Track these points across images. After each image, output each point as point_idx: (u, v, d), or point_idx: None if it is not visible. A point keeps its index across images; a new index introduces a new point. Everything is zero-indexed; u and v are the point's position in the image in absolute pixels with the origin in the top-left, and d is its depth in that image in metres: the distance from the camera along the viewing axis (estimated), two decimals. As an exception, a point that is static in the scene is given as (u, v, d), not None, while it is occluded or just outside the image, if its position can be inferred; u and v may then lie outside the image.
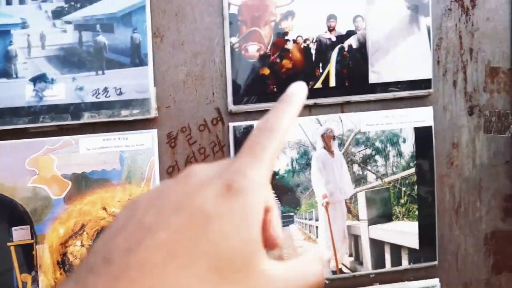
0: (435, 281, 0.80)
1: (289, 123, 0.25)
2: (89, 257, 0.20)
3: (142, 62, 0.72)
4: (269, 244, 0.23)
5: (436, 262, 0.80)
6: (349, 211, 0.79)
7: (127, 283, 0.18)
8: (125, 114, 0.73)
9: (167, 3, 0.74)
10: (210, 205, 0.21)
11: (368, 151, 0.79)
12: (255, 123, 0.76)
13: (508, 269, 0.84)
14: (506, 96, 0.82)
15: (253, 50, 0.74)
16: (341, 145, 0.78)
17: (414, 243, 0.80)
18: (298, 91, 0.26)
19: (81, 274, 0.20)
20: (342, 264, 0.79)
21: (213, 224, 0.20)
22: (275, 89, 0.75)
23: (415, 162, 0.80)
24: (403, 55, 0.77)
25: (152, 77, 0.73)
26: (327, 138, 0.78)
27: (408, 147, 0.79)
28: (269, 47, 0.74)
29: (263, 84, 0.75)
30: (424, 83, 0.78)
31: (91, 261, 0.20)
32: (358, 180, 0.79)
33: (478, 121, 0.82)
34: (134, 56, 0.72)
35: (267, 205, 0.23)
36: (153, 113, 0.74)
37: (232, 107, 0.75)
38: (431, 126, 0.80)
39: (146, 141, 0.74)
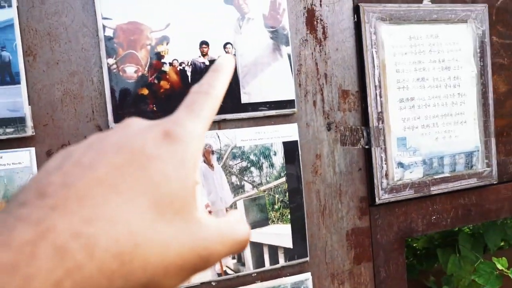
0: (308, 275, 0.90)
1: (221, 89, 0.26)
2: (19, 194, 0.19)
3: (14, 81, 0.71)
4: None
5: (307, 258, 0.91)
6: (229, 220, 0.86)
7: (64, 213, 0.17)
8: (-6, 134, 0.71)
9: (38, 22, 0.74)
10: (150, 147, 0.21)
11: (244, 164, 0.87)
12: (135, 140, 0.79)
13: (367, 259, 0.98)
14: (356, 114, 0.98)
15: (130, 71, 0.78)
16: (219, 159, 0.85)
17: (288, 243, 0.89)
18: (226, 62, 0.28)
19: (12, 208, 0.18)
20: (226, 266, 0.84)
21: (153, 164, 0.20)
22: (155, 108, 0.79)
23: (285, 172, 0.90)
24: (269, 78, 0.88)
25: (26, 95, 0.72)
26: (206, 153, 0.84)
27: (278, 159, 0.89)
28: (146, 68, 0.79)
29: (143, 103, 0.79)
30: (289, 103, 0.90)
31: (21, 197, 0.19)
32: (237, 190, 0.87)
33: (335, 135, 0.96)
34: (4, 74, 0.71)
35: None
36: (30, 132, 0.72)
37: (113, 125, 0.77)
38: (297, 141, 0.91)
39: (24, 159, 0.72)
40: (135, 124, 0.23)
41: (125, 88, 0.78)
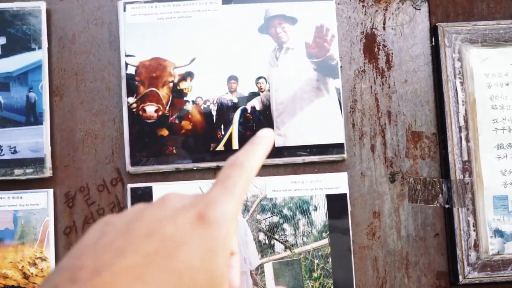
0: None
1: (257, 162, 0.26)
2: (54, 275, 0.20)
3: (37, 121, 0.71)
4: None
5: None
6: (255, 283, 0.72)
7: None
8: (18, 173, 0.71)
9: (67, 62, 0.74)
10: (181, 233, 0.21)
11: (275, 219, 0.73)
12: (154, 185, 0.72)
13: None
14: (431, 162, 0.76)
15: (151, 111, 0.72)
16: (245, 211, 0.73)
17: (326, 325, 0.71)
18: (266, 135, 0.28)
19: None
20: None
21: (181, 253, 0.20)
22: (174, 151, 0.72)
23: (328, 232, 0.73)
24: (311, 117, 0.73)
25: (48, 136, 0.72)
26: (232, 203, 0.73)
27: (320, 216, 0.73)
28: (167, 108, 0.72)
29: (161, 145, 0.72)
30: (337, 148, 0.73)
31: (56, 279, 0.19)
32: (265, 250, 0.73)
33: (402, 189, 0.76)
34: (29, 115, 0.71)
35: (231, 249, 0.23)
36: (48, 173, 0.71)
37: (130, 168, 0.72)
38: (346, 194, 0.74)
39: (41, 200, 0.72)
40: (171, 202, 0.23)
41: (144, 129, 0.72)
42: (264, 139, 0.27)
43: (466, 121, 0.75)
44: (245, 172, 0.25)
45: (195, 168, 0.73)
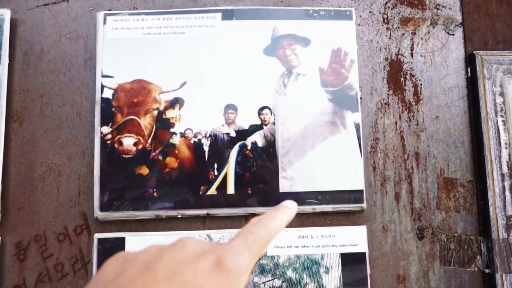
0: None
1: (278, 228, 0.27)
2: None
3: (-12, 152, 0.58)
4: None
5: None
6: None
7: None
8: (-41, 216, 0.57)
9: (31, 82, 0.61)
10: (200, 278, 0.22)
11: (278, 283, 0.58)
12: (127, 235, 0.58)
13: None
14: (468, 216, 0.63)
15: (129, 144, 0.59)
16: (240, 272, 0.58)
17: None
18: (291, 206, 0.30)
19: None
20: None
21: None
22: (155, 194, 0.58)
23: (342, 301, 0.58)
24: (324, 158, 0.60)
25: (0, 170, 0.58)
26: (224, 260, 0.59)
27: (333, 279, 0.59)
28: (149, 140, 0.59)
29: (140, 186, 0.58)
30: (354, 196, 0.60)
31: None
32: (264, 322, 0.58)
33: (432, 248, 0.62)
34: (-22, 144, 0.58)
35: None
36: (-4, 217, 0.57)
37: (99, 213, 0.58)
38: (365, 253, 0.60)
39: (-13, 250, 0.57)
40: (190, 246, 0.24)
41: (119, 165, 0.58)
42: (289, 210, 0.29)
43: (510, 168, 0.62)
44: (267, 234, 0.26)
45: (179, 216, 0.59)
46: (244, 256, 0.24)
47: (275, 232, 0.27)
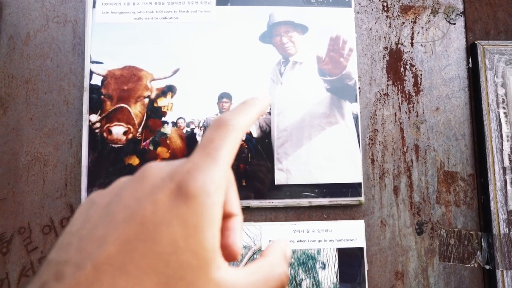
0: None
1: (246, 122, 0.23)
2: (42, 271, 0.19)
3: (-30, 140, 0.55)
4: (227, 254, 0.23)
5: None
6: None
7: None
8: None
9: (17, 67, 0.59)
10: (160, 212, 0.19)
11: (272, 278, 0.56)
12: (116, 228, 0.56)
13: None
14: (468, 211, 0.61)
15: (118, 133, 0.56)
16: (233, 265, 0.56)
17: None
18: (262, 96, 0.26)
19: None
20: None
21: (162, 235, 0.19)
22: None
23: (339, 297, 0.56)
24: (321, 150, 0.58)
25: (-17, 159, 0.55)
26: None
27: (329, 275, 0.57)
28: (140, 129, 0.57)
29: (129, 177, 0.56)
30: (352, 189, 0.58)
31: (44, 277, 0.19)
32: (257, 319, 0.56)
33: (431, 243, 0.60)
34: (-41, 132, 0.55)
35: (230, 211, 0.23)
36: (-22, 207, 0.55)
37: (86, 205, 0.55)
38: (363, 248, 0.58)
39: (-32, 244, 0.55)
40: (150, 176, 0.21)
41: (108, 155, 0.56)
42: (258, 100, 0.25)
43: (511, 161, 0.60)
44: (231, 132, 0.22)
45: (171, 209, 0.56)
46: (207, 173, 0.20)
47: (244, 128, 0.23)
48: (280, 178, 0.57)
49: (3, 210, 0.57)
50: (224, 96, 0.58)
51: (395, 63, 0.63)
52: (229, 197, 0.23)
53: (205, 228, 0.20)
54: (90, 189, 0.55)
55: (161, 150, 0.57)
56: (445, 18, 0.64)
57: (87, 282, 0.18)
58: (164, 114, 0.57)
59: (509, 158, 0.60)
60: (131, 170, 0.56)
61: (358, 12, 0.63)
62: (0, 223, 0.56)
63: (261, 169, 0.57)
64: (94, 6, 0.59)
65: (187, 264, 0.19)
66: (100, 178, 0.56)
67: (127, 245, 0.19)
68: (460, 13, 0.64)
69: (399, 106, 0.62)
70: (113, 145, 0.56)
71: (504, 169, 0.60)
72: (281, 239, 0.26)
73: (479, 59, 0.62)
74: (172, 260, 0.19)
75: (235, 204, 0.23)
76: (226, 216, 0.22)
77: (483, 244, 0.60)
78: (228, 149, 0.22)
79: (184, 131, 0.57)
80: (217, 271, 0.20)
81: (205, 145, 0.22)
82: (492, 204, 0.60)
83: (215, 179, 0.20)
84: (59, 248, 0.20)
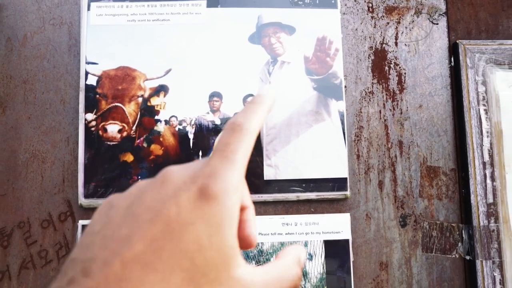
0: None
1: (258, 123, 0.24)
2: (68, 267, 0.20)
3: (-30, 138, 0.57)
4: (245, 244, 0.24)
5: None
6: None
7: None
8: None
9: (15, 68, 0.61)
10: (185, 213, 0.21)
11: (261, 269, 0.59)
12: (112, 222, 0.58)
13: None
14: (450, 204, 0.64)
15: (113, 131, 0.59)
16: (224, 258, 0.59)
17: None
18: (267, 93, 0.26)
19: (62, 285, 0.19)
20: None
21: (187, 233, 0.20)
22: (140, 181, 0.58)
23: (325, 287, 0.59)
24: (308, 146, 0.60)
25: (-17, 157, 0.58)
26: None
27: (316, 266, 0.60)
28: (134, 127, 0.59)
29: (124, 173, 0.58)
30: (338, 183, 0.61)
31: (70, 273, 0.20)
32: (247, 308, 0.59)
33: (414, 235, 0.63)
34: (-40, 131, 0.57)
35: (243, 204, 0.24)
36: (-21, 203, 0.57)
37: (83, 200, 0.58)
38: (348, 240, 0.60)
39: (-30, 238, 0.57)
40: (171, 179, 0.22)
41: (103, 152, 0.58)
42: (266, 98, 0.26)
43: (491, 156, 0.63)
44: (245, 136, 0.23)
45: (164, 203, 0.59)
46: (227, 175, 0.22)
47: (256, 130, 0.24)
48: (269, 173, 0.60)
49: (3, 206, 0.59)
50: (215, 95, 0.60)
51: (380, 62, 0.65)
52: (242, 192, 0.24)
53: (226, 227, 0.21)
54: (86, 184, 0.58)
55: (154, 147, 0.59)
56: (428, 19, 0.66)
57: (115, 278, 0.19)
58: (157, 112, 0.60)
59: (489, 153, 0.63)
60: (126, 166, 0.59)
61: (344, 13, 0.65)
62: (0, 218, 0.59)
63: (250, 159, 0.59)
64: (88, 9, 0.61)
65: (211, 261, 0.20)
66: (96, 174, 0.58)
67: (153, 243, 0.20)
68: (443, 13, 0.67)
69: (384, 104, 0.64)
70: (109, 143, 0.59)
71: (484, 164, 0.63)
72: (297, 245, 0.27)
73: (461, 58, 0.64)
74: (197, 258, 0.20)
75: (247, 197, 0.25)
76: (241, 209, 0.23)
77: (464, 235, 0.63)
78: (243, 151, 0.23)
79: (177, 128, 0.60)
80: (237, 268, 0.21)
81: (222, 148, 0.23)
82: (472, 197, 0.62)
83: (233, 181, 0.22)
84: (82, 247, 0.21)
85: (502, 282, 0.61)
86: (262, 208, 0.61)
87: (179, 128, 0.60)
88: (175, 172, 0.23)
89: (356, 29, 0.65)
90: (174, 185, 0.22)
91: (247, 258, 0.59)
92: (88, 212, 0.59)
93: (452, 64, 0.66)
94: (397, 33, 0.66)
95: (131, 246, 0.19)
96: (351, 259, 0.60)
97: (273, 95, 0.26)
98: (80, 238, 0.21)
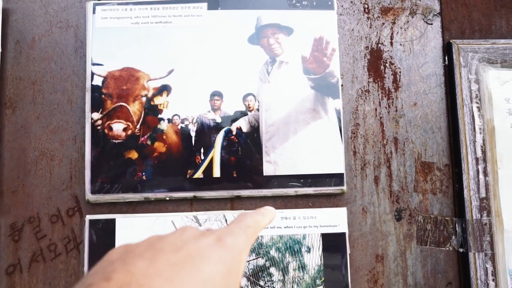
0: None
1: (263, 221, 0.30)
2: (88, 276, 0.21)
3: (-18, 137, 0.60)
4: None
5: None
6: None
7: None
8: (-45, 199, 0.59)
9: (24, 70, 0.63)
10: (203, 250, 0.24)
11: (261, 262, 0.62)
12: (117, 217, 0.61)
13: None
14: (444, 198, 0.66)
15: (118, 129, 0.61)
16: (226, 251, 0.61)
17: None
18: (271, 208, 0.33)
19: None
20: None
21: (205, 266, 0.22)
22: (144, 177, 0.61)
23: (323, 278, 0.62)
24: (306, 143, 0.63)
25: (-5, 155, 0.60)
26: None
27: (314, 258, 0.62)
28: (138, 126, 0.62)
29: (129, 170, 0.61)
30: (335, 179, 0.63)
31: (90, 279, 0.20)
32: (248, 299, 0.61)
33: (409, 228, 0.65)
34: (-28, 130, 0.60)
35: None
36: (-9, 199, 0.60)
37: (90, 196, 0.61)
38: (345, 233, 0.63)
39: (-17, 232, 0.60)
40: (190, 230, 0.26)
41: (109, 150, 0.61)
42: (269, 211, 0.32)
43: (484, 152, 0.65)
44: (255, 223, 0.29)
45: (167, 199, 0.61)
46: (240, 236, 0.26)
47: (262, 224, 0.30)
48: (268, 169, 0.62)
49: (14, 202, 0.62)
50: (216, 94, 0.63)
51: (376, 62, 0.67)
52: (244, 264, 0.28)
53: (235, 274, 0.24)
54: (93, 181, 0.60)
55: (158, 144, 0.62)
56: (423, 19, 0.68)
57: (137, 284, 0.20)
58: (160, 111, 0.62)
59: (481, 149, 0.65)
60: (130, 163, 0.61)
61: (340, 14, 0.67)
62: (12, 213, 0.62)
63: (250, 155, 0.62)
64: (94, 12, 0.63)
65: None
66: (102, 171, 0.61)
67: (175, 266, 0.22)
68: (437, 13, 0.69)
69: (379, 102, 0.66)
70: (114, 141, 0.61)
71: (477, 159, 0.65)
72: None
73: (454, 57, 0.66)
74: (209, 287, 0.22)
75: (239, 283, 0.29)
76: None
77: (457, 229, 0.65)
78: (252, 231, 0.28)
79: (179, 127, 0.62)
80: None
81: (237, 222, 0.29)
82: (465, 192, 0.64)
83: (244, 243, 0.27)
84: (102, 265, 0.22)
85: (494, 273, 0.63)
86: (261, 203, 0.63)
87: (181, 126, 0.62)
88: (193, 228, 0.27)
89: (352, 30, 0.67)
90: (194, 232, 0.26)
91: (248, 251, 0.61)
92: (95, 207, 0.62)
93: (446, 63, 0.67)
94: (392, 33, 0.68)
95: (154, 264, 0.21)
96: (348, 251, 0.63)
97: (274, 213, 0.33)
98: (96, 265, 0.22)
